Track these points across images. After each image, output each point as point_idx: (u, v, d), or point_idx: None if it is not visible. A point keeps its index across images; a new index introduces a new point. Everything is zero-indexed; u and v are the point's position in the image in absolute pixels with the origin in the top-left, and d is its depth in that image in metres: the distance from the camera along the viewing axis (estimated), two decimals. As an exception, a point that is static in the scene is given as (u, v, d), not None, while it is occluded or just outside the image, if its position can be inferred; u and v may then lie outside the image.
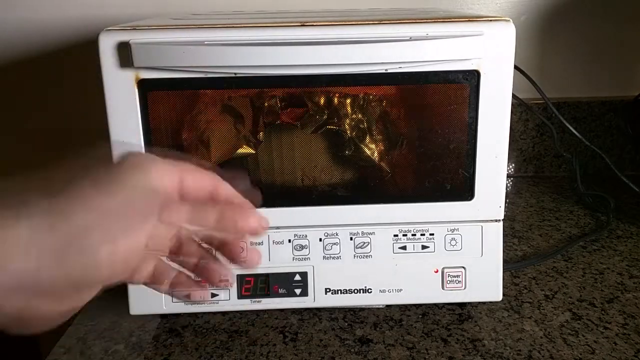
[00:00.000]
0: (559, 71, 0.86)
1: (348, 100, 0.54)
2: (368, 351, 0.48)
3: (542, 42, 0.85)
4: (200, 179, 0.33)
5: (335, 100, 0.53)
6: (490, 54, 0.46)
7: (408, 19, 0.47)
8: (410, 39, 0.45)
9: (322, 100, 0.53)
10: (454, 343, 0.49)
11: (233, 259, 0.34)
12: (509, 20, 0.46)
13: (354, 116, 0.54)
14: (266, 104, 0.53)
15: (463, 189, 0.50)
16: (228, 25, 0.47)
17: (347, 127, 0.54)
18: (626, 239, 0.67)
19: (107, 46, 0.45)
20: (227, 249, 0.34)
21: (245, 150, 0.53)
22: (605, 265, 0.61)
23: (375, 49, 0.44)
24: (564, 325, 0.51)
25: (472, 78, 0.47)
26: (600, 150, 0.75)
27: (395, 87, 0.54)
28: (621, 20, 0.84)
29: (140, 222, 0.29)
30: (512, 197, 0.80)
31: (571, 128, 0.73)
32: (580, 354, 0.47)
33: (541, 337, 0.49)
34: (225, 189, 0.34)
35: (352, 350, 0.48)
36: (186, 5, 0.80)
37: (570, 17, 0.84)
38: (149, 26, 0.47)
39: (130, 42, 0.44)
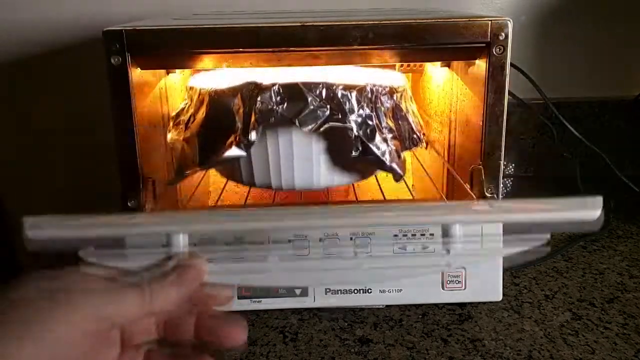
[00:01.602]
0: (559, 71, 0.86)
1: (354, 93, 0.48)
2: (368, 351, 0.48)
3: (542, 42, 0.85)
4: (165, 301, 0.29)
5: (339, 92, 0.48)
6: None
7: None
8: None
9: (323, 93, 0.47)
10: (454, 343, 0.49)
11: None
12: None
13: (360, 112, 0.48)
14: (259, 99, 0.47)
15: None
16: (227, 26, 0.47)
17: (353, 123, 0.48)
18: (626, 239, 0.67)
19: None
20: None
21: (235, 151, 0.48)
22: (605, 265, 0.61)
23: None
24: (564, 325, 0.51)
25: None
26: (600, 150, 0.75)
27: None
28: (621, 20, 0.84)
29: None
30: (512, 197, 0.80)
31: (571, 128, 0.73)
32: (580, 354, 0.47)
33: (541, 337, 0.49)
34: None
35: (352, 350, 0.48)
36: (187, 5, 0.80)
37: (570, 17, 0.84)
38: (148, 26, 0.47)
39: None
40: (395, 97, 0.51)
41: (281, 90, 0.47)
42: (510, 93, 0.50)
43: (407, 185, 0.59)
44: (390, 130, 0.50)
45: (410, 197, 0.57)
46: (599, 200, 0.33)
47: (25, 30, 0.79)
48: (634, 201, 0.76)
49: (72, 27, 0.79)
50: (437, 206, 0.44)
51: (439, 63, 0.60)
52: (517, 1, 0.83)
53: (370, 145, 0.48)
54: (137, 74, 0.49)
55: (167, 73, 0.59)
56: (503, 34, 0.47)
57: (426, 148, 0.61)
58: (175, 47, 0.48)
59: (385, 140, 0.49)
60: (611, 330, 0.50)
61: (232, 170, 0.53)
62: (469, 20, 0.47)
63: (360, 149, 0.48)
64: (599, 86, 0.87)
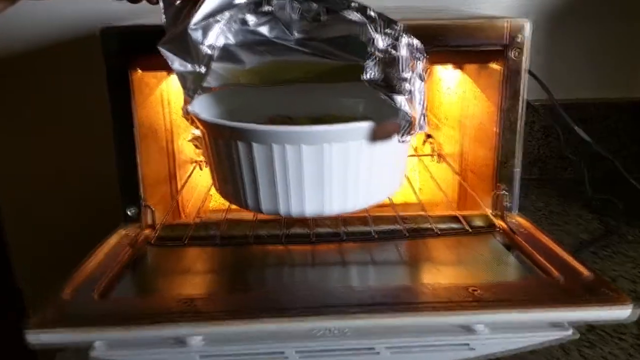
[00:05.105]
0: (566, 72, 0.85)
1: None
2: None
3: (548, 43, 0.84)
4: None
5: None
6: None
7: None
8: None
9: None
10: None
11: None
12: None
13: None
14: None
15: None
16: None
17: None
18: (637, 245, 0.66)
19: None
20: None
21: None
22: (618, 273, 0.60)
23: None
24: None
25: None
26: (608, 153, 0.74)
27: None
28: (629, 21, 0.83)
29: None
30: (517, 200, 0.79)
31: (578, 130, 0.72)
32: (596, 367, 0.46)
33: (557, 351, 0.48)
34: None
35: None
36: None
37: (577, 18, 0.83)
38: (149, 24, 0.46)
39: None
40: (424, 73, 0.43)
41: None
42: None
43: (414, 190, 0.57)
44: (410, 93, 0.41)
45: (417, 201, 0.55)
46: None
47: (24, 28, 0.78)
48: (643, 205, 0.74)
49: (72, 24, 0.78)
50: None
51: (450, 65, 0.58)
52: (523, 2, 0.82)
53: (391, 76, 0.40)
54: (137, 75, 0.48)
55: (169, 74, 0.57)
56: (520, 36, 0.45)
57: (438, 162, 0.59)
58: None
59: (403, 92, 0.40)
60: (626, 342, 0.49)
61: (237, 195, 0.48)
62: (484, 21, 0.45)
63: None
64: (607, 88, 0.86)
